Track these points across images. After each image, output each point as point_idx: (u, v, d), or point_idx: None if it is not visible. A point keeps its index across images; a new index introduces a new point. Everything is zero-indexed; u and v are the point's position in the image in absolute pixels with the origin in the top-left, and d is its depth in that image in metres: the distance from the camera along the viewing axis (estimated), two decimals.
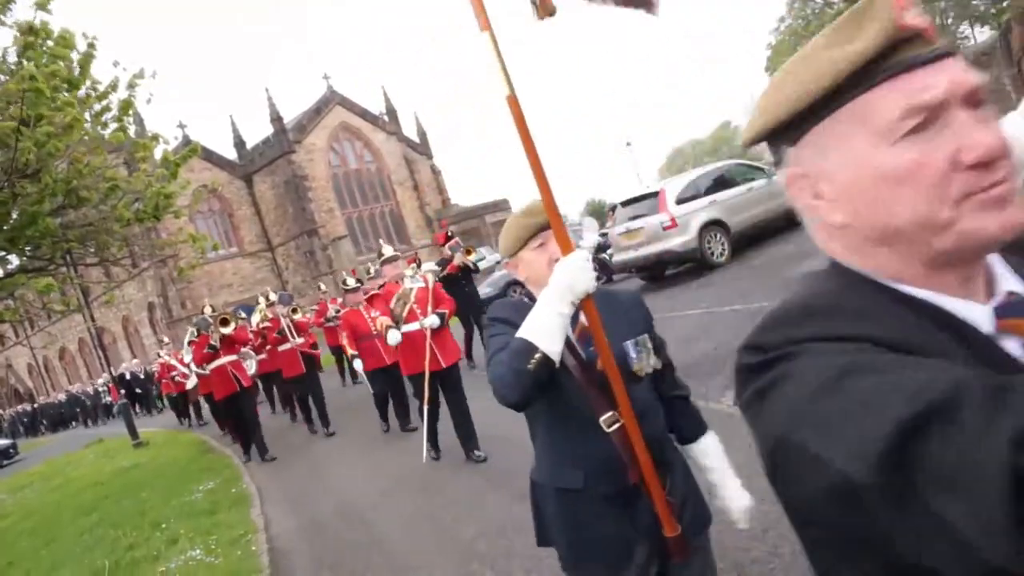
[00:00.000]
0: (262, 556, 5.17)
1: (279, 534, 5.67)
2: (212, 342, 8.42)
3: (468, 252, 9.26)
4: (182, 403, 15.37)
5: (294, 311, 9.80)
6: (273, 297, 10.30)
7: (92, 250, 9.36)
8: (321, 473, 7.25)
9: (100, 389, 26.06)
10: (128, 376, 22.40)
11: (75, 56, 7.72)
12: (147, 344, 36.86)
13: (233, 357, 8.63)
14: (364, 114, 42.62)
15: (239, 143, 39.97)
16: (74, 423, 31.27)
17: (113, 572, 5.69)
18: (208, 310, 9.14)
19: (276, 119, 37.88)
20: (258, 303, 10.89)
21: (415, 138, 46.02)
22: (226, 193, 38.36)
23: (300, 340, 9.40)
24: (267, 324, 9.80)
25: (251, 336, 9.94)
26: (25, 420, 35.91)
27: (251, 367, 10.45)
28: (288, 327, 9.41)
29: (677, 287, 10.78)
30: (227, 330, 8.43)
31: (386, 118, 43.76)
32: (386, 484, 6.10)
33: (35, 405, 36.75)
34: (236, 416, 8.95)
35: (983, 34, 31.25)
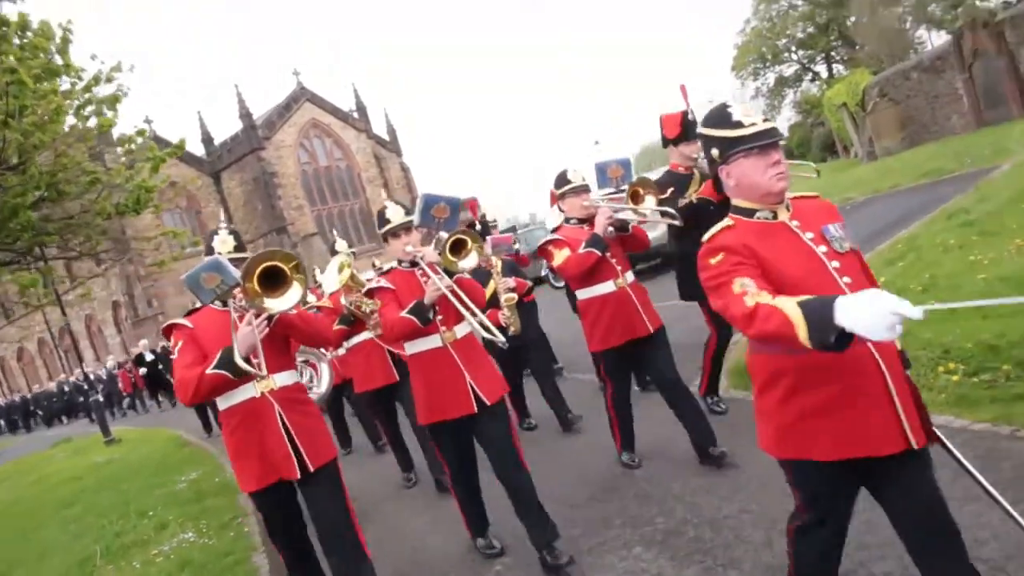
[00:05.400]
0: (255, 537, 5.33)
1: None
2: (230, 360, 2.90)
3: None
4: (209, 407, 10.32)
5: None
6: (341, 245, 5.47)
7: (72, 243, 9.36)
8: None
9: (114, 374, 21.36)
10: (150, 357, 17.19)
11: (53, 45, 7.77)
12: (111, 343, 36.32)
13: (288, 379, 3.26)
14: (334, 111, 42.54)
15: (207, 139, 39.57)
16: (64, 418, 27.08)
17: (105, 557, 5.80)
18: (225, 241, 3.38)
19: (245, 115, 37.65)
20: (334, 251, 5.49)
21: (385, 136, 46.01)
22: (193, 189, 37.96)
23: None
24: (358, 296, 4.30)
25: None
26: (16, 415, 33.27)
27: (323, 383, 5.15)
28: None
29: (646, 282, 11.12)
30: (281, 305, 2.99)
31: (356, 115, 43.69)
32: (375, 467, 6.31)
33: (29, 396, 33.96)
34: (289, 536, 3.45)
35: (940, 38, 32.26)
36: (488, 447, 3.57)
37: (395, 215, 3.61)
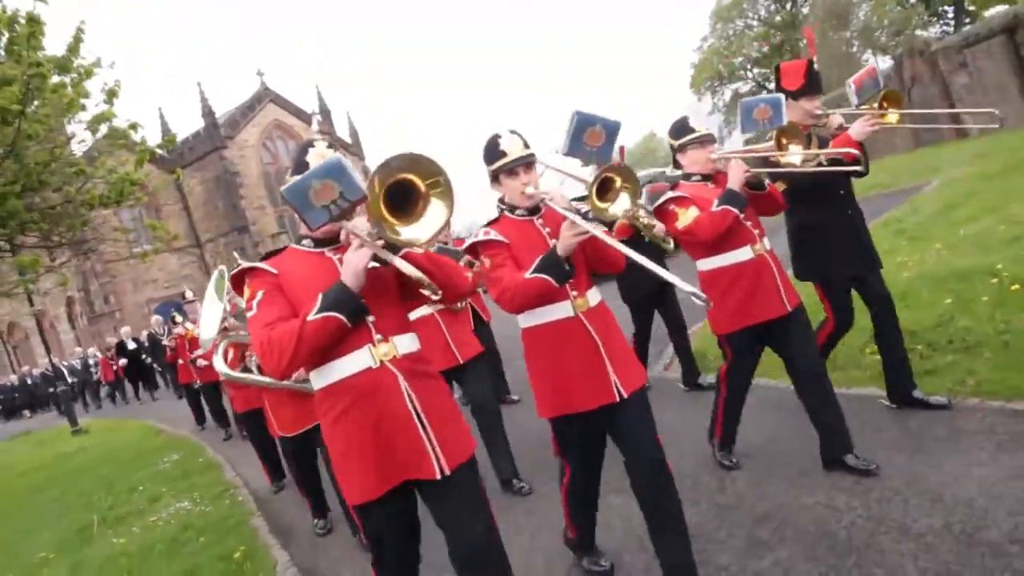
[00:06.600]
0: (251, 504, 5.69)
1: (261, 488, 6.20)
2: (345, 298, 2.12)
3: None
4: (212, 401, 9.12)
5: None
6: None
7: (54, 233, 9.53)
8: None
9: (88, 363, 20.48)
10: (132, 345, 16.82)
11: (65, 40, 8.14)
12: (64, 340, 35.53)
13: (411, 344, 2.35)
14: (298, 113, 42.42)
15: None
16: (28, 412, 25.39)
17: (101, 526, 6.08)
18: (323, 155, 2.28)
19: (208, 114, 37.36)
20: None
21: (347, 139, 46.04)
22: (152, 186, 37.54)
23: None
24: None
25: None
26: None
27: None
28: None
29: (605, 284, 11.76)
30: (420, 233, 2.11)
31: (319, 118, 43.65)
32: None
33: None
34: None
35: (885, 62, 33.97)
36: (627, 447, 2.72)
37: (512, 147, 2.71)
